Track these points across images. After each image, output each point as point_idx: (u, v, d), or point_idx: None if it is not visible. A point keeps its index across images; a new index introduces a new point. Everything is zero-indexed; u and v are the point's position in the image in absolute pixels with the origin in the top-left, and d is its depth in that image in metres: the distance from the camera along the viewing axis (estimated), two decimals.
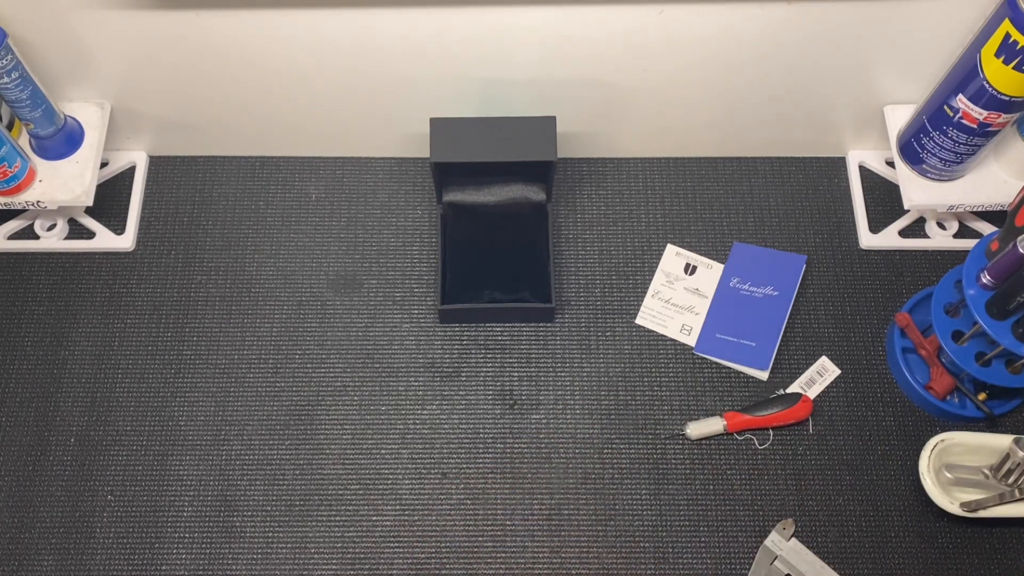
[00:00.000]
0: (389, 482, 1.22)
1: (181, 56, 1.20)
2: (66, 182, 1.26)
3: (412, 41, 1.17)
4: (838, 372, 1.27)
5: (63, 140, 1.26)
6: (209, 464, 1.22)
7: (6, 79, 1.14)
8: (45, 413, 1.25)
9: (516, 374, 1.27)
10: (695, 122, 1.33)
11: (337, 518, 1.20)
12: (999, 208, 1.26)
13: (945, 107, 1.17)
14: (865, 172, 1.39)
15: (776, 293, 1.30)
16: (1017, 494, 1.13)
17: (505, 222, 1.32)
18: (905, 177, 1.28)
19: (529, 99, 1.27)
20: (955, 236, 1.34)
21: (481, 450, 1.23)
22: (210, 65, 1.22)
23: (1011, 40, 1.05)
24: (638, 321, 1.30)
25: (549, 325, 1.30)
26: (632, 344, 1.29)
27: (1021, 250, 1.03)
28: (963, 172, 1.26)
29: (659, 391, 1.26)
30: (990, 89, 1.10)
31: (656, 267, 1.33)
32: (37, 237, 1.34)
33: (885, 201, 1.37)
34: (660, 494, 1.21)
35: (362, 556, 1.18)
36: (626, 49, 1.19)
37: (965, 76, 1.13)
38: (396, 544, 1.19)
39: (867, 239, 1.34)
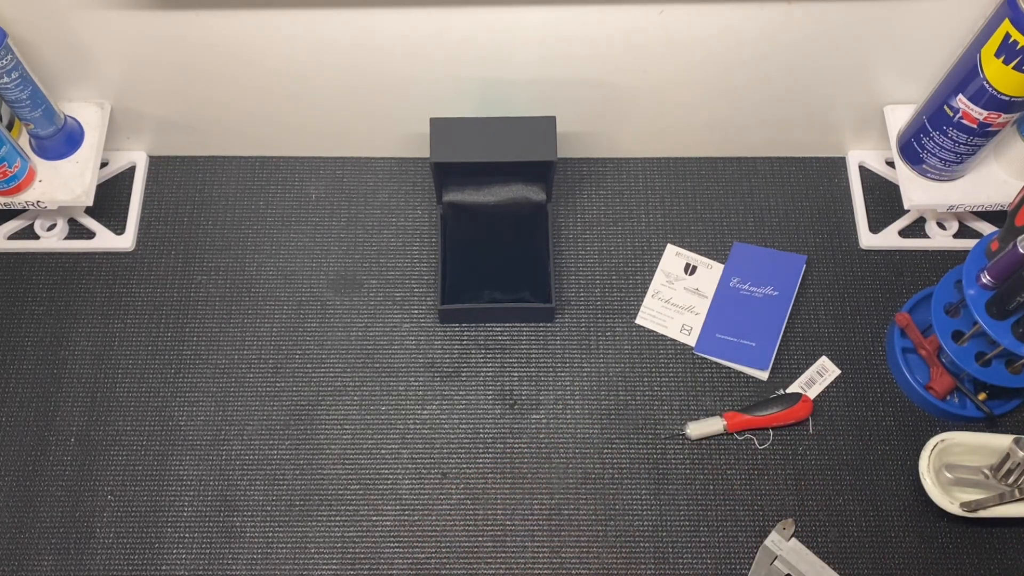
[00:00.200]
0: (389, 482, 1.22)
1: (181, 56, 1.20)
2: (66, 182, 1.26)
3: (412, 41, 1.17)
4: (838, 372, 1.27)
5: (63, 140, 1.26)
6: (209, 464, 1.22)
7: (6, 79, 1.14)
8: (45, 413, 1.25)
9: (516, 374, 1.27)
10: (695, 122, 1.33)
11: (337, 518, 1.20)
12: (999, 208, 1.26)
13: (945, 107, 1.17)
14: (865, 172, 1.39)
15: (776, 293, 1.30)
16: (1017, 494, 1.13)
17: (505, 222, 1.32)
18: (905, 177, 1.28)
19: (529, 99, 1.27)
20: (955, 236, 1.34)
21: (481, 450, 1.23)
22: (210, 65, 1.22)
23: (1011, 40, 1.05)
24: (638, 321, 1.30)
25: (549, 325, 1.30)
26: (632, 344, 1.29)
27: (1021, 250, 1.03)
28: (963, 172, 1.26)
29: (659, 391, 1.26)
30: (990, 89, 1.10)
31: (656, 267, 1.33)
32: (37, 237, 1.34)
33: (885, 201, 1.37)
34: (660, 494, 1.21)
35: (362, 556, 1.18)
36: (626, 49, 1.19)
37: (965, 76, 1.13)
38: (396, 544, 1.19)
39: (867, 239, 1.34)
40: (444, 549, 1.18)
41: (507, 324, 1.30)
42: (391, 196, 1.38)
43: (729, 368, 1.28)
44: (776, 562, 1.16)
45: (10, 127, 1.25)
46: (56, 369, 1.27)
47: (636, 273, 1.33)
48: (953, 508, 1.14)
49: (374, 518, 1.20)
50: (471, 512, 1.20)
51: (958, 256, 1.33)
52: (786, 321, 1.29)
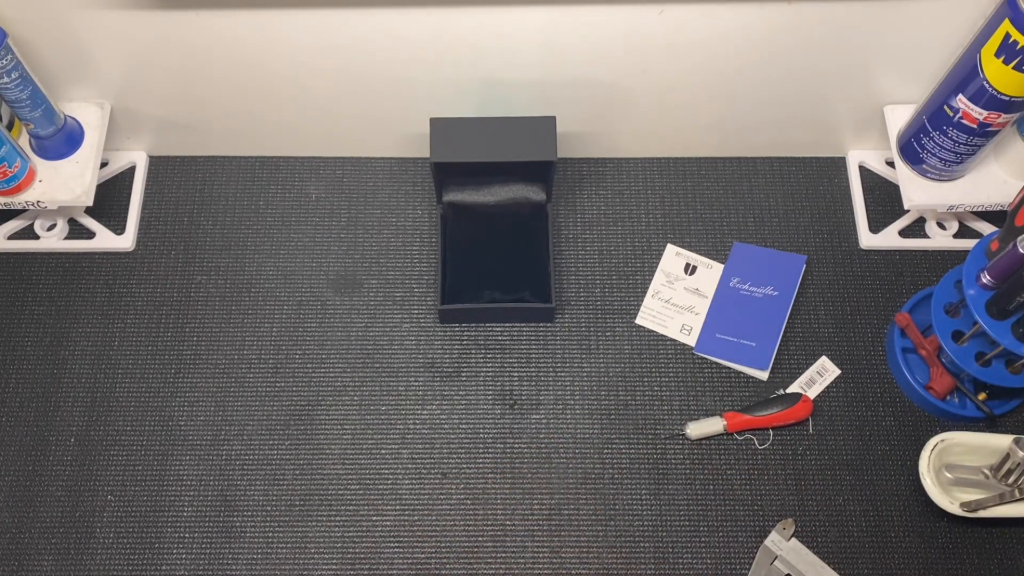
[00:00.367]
0: (389, 482, 1.22)
1: (181, 56, 1.20)
2: (66, 182, 1.26)
3: (412, 41, 1.17)
4: (838, 372, 1.27)
5: (63, 140, 1.26)
6: (209, 464, 1.22)
7: (6, 79, 1.14)
8: (45, 413, 1.25)
9: (516, 374, 1.27)
10: (695, 122, 1.33)
11: (337, 518, 1.20)
12: (999, 208, 1.26)
13: (945, 107, 1.17)
14: (865, 172, 1.39)
15: (776, 293, 1.30)
16: (1017, 494, 1.13)
17: (505, 222, 1.32)
18: (905, 177, 1.28)
19: (529, 99, 1.27)
20: (955, 236, 1.34)
21: (481, 450, 1.23)
22: (210, 65, 1.22)
23: (1011, 40, 1.05)
24: (638, 321, 1.30)
25: (549, 325, 1.30)
26: (632, 344, 1.29)
27: (1021, 250, 1.03)
28: (963, 172, 1.26)
29: (659, 391, 1.26)
30: (990, 89, 1.10)
31: (656, 267, 1.33)
32: (37, 237, 1.34)
33: (885, 201, 1.37)
34: (660, 494, 1.21)
35: (362, 556, 1.18)
36: (626, 50, 1.19)
37: (965, 76, 1.13)
38: (396, 544, 1.19)
39: (867, 239, 1.34)
40: (444, 549, 1.18)
41: (507, 324, 1.30)
42: (391, 196, 1.38)
43: (729, 368, 1.28)
44: (776, 562, 1.16)
45: (10, 127, 1.25)
46: (56, 369, 1.27)
47: (636, 273, 1.33)
48: (953, 508, 1.14)
49: (374, 518, 1.20)
50: (471, 512, 1.20)
51: (958, 256, 1.33)
52: (786, 321, 1.29)
